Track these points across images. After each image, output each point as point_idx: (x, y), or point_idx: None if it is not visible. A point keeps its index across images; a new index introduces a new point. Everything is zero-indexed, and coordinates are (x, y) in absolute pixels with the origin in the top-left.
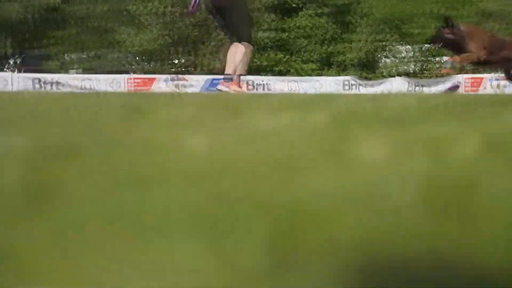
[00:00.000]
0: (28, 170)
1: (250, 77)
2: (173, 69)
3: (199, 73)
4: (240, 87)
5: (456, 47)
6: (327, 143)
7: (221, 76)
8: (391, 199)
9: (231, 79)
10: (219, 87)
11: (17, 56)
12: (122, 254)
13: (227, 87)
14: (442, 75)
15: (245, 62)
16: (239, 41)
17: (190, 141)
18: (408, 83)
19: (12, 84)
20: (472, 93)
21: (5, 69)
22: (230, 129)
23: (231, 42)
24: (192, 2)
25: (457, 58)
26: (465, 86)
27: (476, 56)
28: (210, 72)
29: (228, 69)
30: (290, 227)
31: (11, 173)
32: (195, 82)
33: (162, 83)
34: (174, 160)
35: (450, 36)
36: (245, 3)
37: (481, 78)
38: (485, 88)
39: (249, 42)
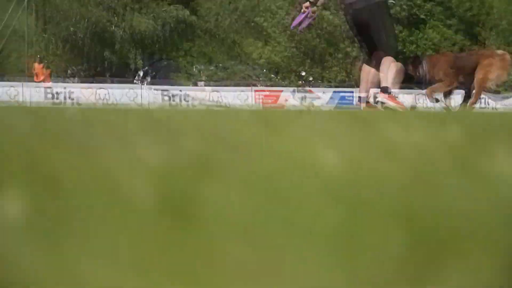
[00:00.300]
0: (164, 185)
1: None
2: (300, 81)
3: (326, 86)
4: (397, 102)
5: (422, 82)
6: (464, 159)
7: (346, 89)
8: None
9: (390, 92)
10: (380, 98)
11: (146, 68)
12: (260, 272)
13: (387, 99)
14: None
15: (399, 78)
16: (388, 55)
17: (326, 157)
18: None
19: (141, 96)
20: None
21: (134, 81)
22: (364, 144)
23: (380, 57)
24: (298, 19)
25: (427, 91)
26: None
27: (447, 82)
28: (337, 85)
29: (385, 82)
30: (428, 243)
31: (146, 187)
32: (322, 95)
33: (288, 95)
34: (312, 176)
35: (411, 73)
36: (388, 13)
37: None
38: None
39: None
